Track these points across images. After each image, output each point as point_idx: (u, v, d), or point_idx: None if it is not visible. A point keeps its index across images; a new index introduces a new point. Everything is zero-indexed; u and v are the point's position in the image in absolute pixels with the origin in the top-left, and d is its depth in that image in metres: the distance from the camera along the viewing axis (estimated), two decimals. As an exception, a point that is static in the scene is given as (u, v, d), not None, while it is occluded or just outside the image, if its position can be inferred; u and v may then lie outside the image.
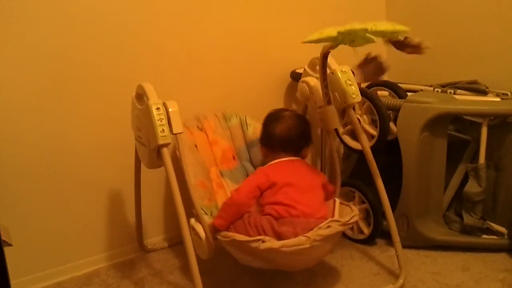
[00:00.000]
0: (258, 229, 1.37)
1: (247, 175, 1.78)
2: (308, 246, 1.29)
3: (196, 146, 1.73)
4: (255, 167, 1.80)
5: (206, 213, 1.50)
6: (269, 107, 1.84)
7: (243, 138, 1.84)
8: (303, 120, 1.68)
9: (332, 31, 1.30)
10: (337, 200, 1.58)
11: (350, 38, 1.27)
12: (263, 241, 1.30)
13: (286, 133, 1.61)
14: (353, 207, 1.55)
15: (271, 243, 1.29)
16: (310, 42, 1.36)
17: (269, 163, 1.61)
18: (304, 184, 1.51)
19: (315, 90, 1.65)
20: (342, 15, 2.14)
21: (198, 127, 1.79)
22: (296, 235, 1.32)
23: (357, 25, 1.23)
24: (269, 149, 1.64)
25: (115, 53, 1.64)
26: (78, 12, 1.56)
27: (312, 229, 1.33)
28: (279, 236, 1.34)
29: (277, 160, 1.60)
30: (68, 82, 1.58)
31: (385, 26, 1.23)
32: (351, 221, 1.43)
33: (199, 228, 1.45)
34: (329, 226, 1.35)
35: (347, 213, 1.50)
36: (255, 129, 1.81)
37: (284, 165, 1.59)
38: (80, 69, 1.59)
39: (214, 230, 1.44)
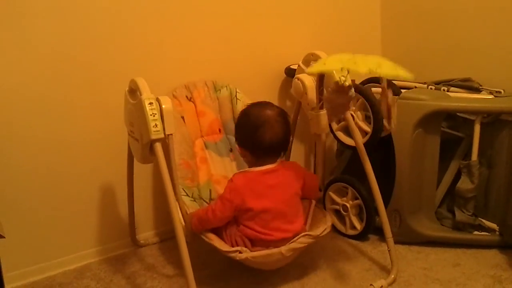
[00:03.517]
0: (232, 241, 1.49)
1: (231, 150, 1.81)
2: (280, 257, 1.43)
3: (183, 118, 1.72)
4: None
5: (187, 194, 1.59)
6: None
7: (231, 111, 1.82)
8: (287, 120, 1.57)
9: (336, 64, 1.33)
10: (313, 204, 1.64)
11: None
12: (240, 252, 1.42)
13: (275, 141, 1.52)
14: (328, 216, 1.59)
15: (247, 253, 1.42)
16: (313, 73, 1.38)
17: (247, 173, 1.54)
18: (282, 202, 1.51)
19: (309, 90, 1.63)
20: (335, 10, 2.14)
21: (187, 97, 1.76)
22: None
23: (361, 64, 1.27)
24: (252, 155, 1.56)
25: (107, 47, 1.64)
26: (72, 7, 1.55)
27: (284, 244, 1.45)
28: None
29: (256, 170, 1.53)
30: (61, 77, 1.58)
31: (387, 70, 1.28)
32: (322, 235, 1.49)
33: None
34: (300, 241, 1.46)
35: (319, 220, 1.58)
36: (243, 105, 1.79)
37: (262, 180, 1.51)
38: (72, 64, 1.59)
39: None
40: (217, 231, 1.52)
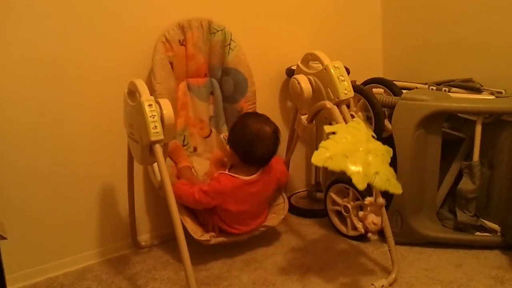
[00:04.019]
0: (204, 223, 1.68)
1: (212, 93, 1.85)
2: (239, 241, 1.71)
3: (172, 63, 1.72)
4: (223, 93, 1.85)
5: None
6: (264, 104, 1.85)
7: (221, 58, 1.81)
8: (279, 137, 1.69)
9: (341, 161, 1.33)
10: (283, 196, 1.84)
11: None
12: (209, 240, 1.62)
13: (265, 155, 1.66)
14: (286, 207, 1.80)
15: (214, 240, 1.64)
16: (318, 165, 1.36)
17: (234, 179, 1.63)
18: (256, 206, 1.70)
19: (304, 94, 1.63)
20: (337, 11, 2.14)
21: (179, 40, 1.72)
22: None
23: (363, 174, 1.32)
24: (241, 159, 1.66)
25: (107, 48, 1.64)
26: (73, 7, 1.56)
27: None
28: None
29: (243, 180, 1.64)
30: (62, 79, 1.58)
31: (381, 183, 1.34)
32: (275, 225, 1.78)
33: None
34: (258, 230, 1.74)
35: (279, 208, 1.80)
36: (235, 56, 1.79)
37: (246, 188, 1.64)
38: (73, 67, 1.59)
39: None
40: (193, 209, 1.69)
